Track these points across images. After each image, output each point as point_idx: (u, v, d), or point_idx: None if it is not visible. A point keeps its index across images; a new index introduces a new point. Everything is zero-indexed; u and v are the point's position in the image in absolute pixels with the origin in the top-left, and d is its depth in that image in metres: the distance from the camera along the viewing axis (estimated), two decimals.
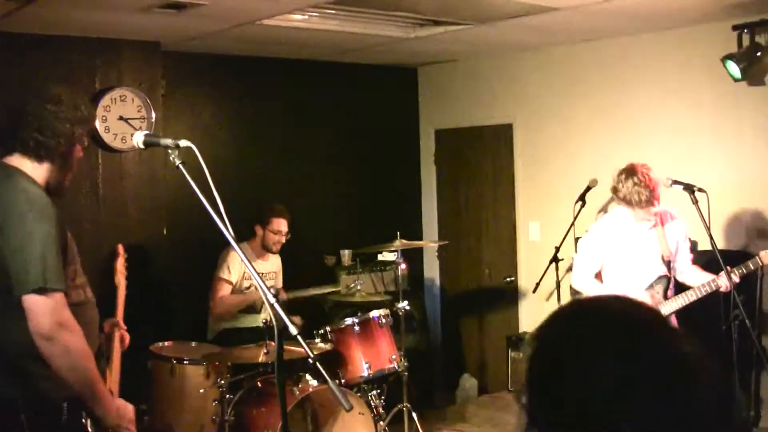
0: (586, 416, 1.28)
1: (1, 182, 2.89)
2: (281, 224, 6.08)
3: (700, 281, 4.91)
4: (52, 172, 2.99)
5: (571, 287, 5.37)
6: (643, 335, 1.34)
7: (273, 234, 6.06)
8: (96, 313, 3.10)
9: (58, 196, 3.06)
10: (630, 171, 4.75)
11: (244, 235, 5.97)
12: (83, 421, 2.82)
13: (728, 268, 4.72)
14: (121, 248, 4.23)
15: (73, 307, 2.86)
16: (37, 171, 2.95)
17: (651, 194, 4.69)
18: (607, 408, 1.27)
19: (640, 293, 4.85)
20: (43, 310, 2.71)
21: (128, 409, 2.98)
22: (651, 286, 4.92)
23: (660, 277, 4.93)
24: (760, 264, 4.80)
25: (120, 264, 4.14)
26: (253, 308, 6.01)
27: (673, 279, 5.00)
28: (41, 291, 2.72)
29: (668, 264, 4.94)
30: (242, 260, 2.74)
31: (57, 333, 2.71)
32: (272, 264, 6.26)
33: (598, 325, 1.37)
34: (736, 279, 4.73)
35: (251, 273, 2.65)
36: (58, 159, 2.98)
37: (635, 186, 4.70)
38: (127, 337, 3.55)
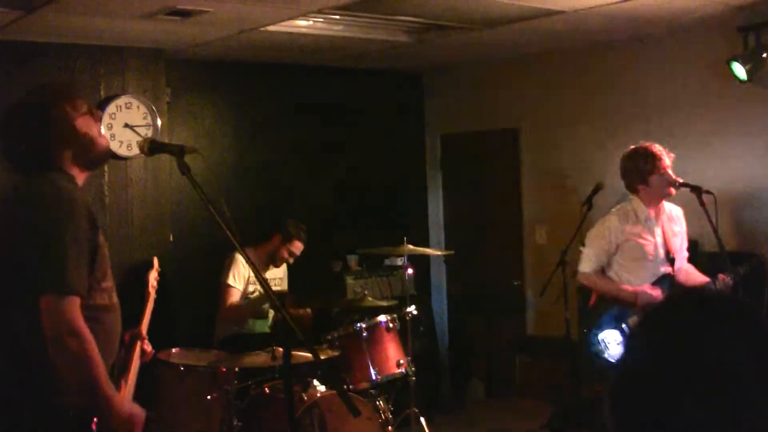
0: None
1: (35, 181, 2.87)
2: (300, 248, 6.12)
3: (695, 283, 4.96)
4: (77, 163, 2.95)
5: (578, 281, 5.33)
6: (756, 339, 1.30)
7: (288, 253, 6.08)
8: (119, 321, 3.03)
9: (104, 160, 3.15)
10: (644, 147, 4.93)
11: (248, 240, 5.96)
12: (92, 427, 2.78)
13: (725, 275, 4.81)
14: (156, 261, 4.21)
15: (96, 310, 2.82)
16: (68, 169, 2.92)
17: (668, 158, 4.85)
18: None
19: (647, 289, 4.87)
20: (57, 311, 2.66)
21: (139, 418, 2.88)
22: (656, 284, 4.91)
23: (664, 276, 4.93)
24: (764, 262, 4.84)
25: (153, 277, 4.11)
26: (261, 313, 5.99)
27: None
28: (58, 292, 2.67)
29: (672, 261, 4.94)
30: (249, 265, 2.74)
31: (67, 338, 2.66)
32: (279, 269, 6.25)
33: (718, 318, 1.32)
34: (729, 282, 4.77)
35: (258, 280, 2.65)
36: (70, 156, 2.93)
37: (655, 152, 4.84)
38: (150, 349, 3.50)
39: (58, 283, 2.69)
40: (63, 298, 2.69)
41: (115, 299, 3.00)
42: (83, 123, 2.96)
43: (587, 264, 5.04)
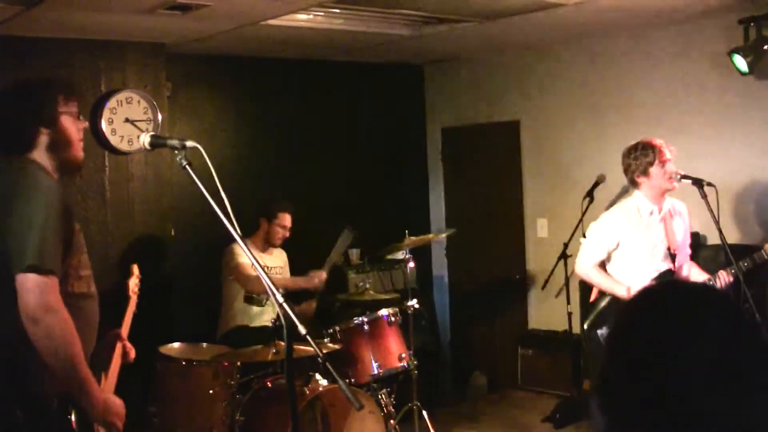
0: (682, 404, 1.24)
1: (11, 171, 2.91)
2: (288, 219, 6.12)
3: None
4: (51, 156, 2.98)
5: (575, 273, 5.34)
6: (741, 320, 1.30)
7: (279, 228, 6.08)
8: (96, 309, 3.07)
9: (74, 169, 3.10)
10: (644, 141, 4.90)
11: (247, 232, 5.96)
12: (69, 416, 2.80)
13: (726, 271, 4.80)
14: (135, 269, 4.22)
15: (75, 298, 2.85)
16: (43, 159, 2.96)
17: (670, 154, 4.83)
18: (705, 393, 1.23)
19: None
20: (33, 288, 2.69)
21: (116, 403, 2.94)
22: (657, 280, 4.90)
23: (665, 271, 4.91)
24: (766, 257, 4.81)
25: (133, 284, 4.12)
26: (258, 300, 5.98)
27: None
28: (34, 269, 2.70)
29: (673, 257, 4.93)
30: (250, 258, 2.74)
31: (42, 314, 2.69)
32: (278, 259, 6.25)
33: (695, 306, 1.32)
34: (730, 278, 4.75)
35: (258, 271, 2.65)
36: (46, 143, 2.97)
37: (655, 144, 4.83)
38: (133, 353, 3.51)
39: (39, 259, 2.71)
40: (40, 276, 2.71)
41: (93, 288, 3.05)
42: (67, 120, 3.02)
43: (585, 257, 5.05)
